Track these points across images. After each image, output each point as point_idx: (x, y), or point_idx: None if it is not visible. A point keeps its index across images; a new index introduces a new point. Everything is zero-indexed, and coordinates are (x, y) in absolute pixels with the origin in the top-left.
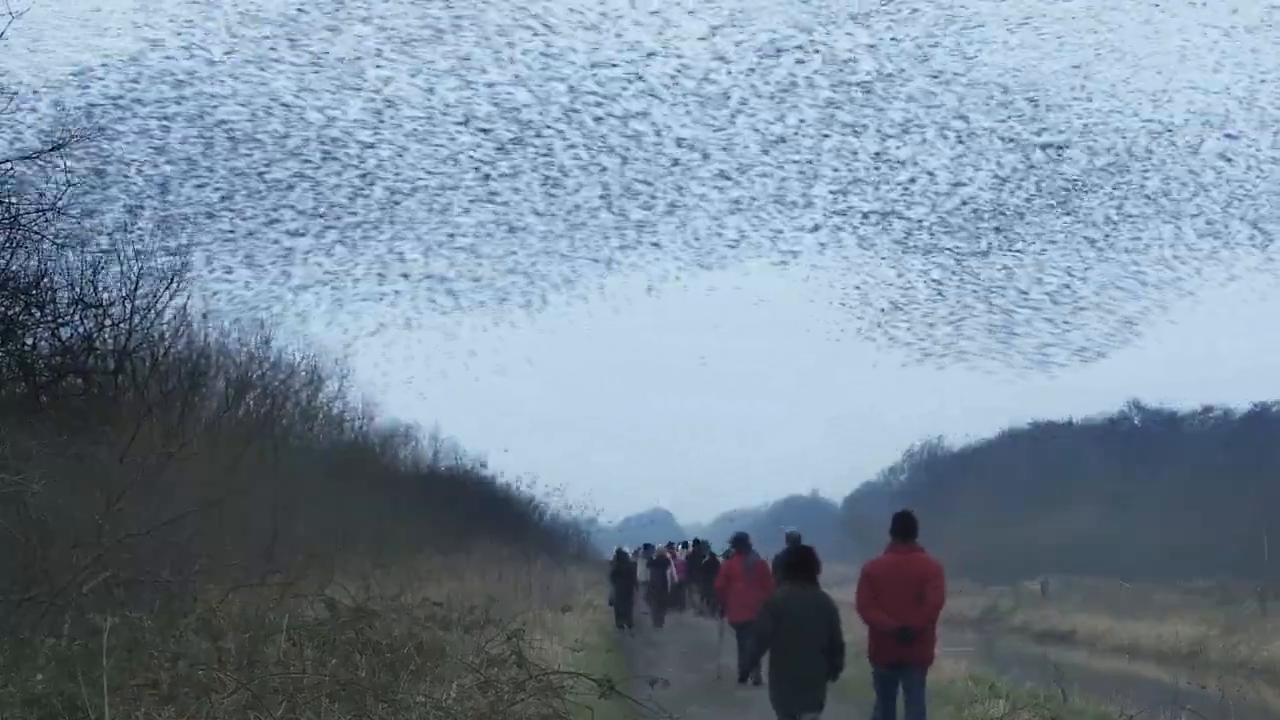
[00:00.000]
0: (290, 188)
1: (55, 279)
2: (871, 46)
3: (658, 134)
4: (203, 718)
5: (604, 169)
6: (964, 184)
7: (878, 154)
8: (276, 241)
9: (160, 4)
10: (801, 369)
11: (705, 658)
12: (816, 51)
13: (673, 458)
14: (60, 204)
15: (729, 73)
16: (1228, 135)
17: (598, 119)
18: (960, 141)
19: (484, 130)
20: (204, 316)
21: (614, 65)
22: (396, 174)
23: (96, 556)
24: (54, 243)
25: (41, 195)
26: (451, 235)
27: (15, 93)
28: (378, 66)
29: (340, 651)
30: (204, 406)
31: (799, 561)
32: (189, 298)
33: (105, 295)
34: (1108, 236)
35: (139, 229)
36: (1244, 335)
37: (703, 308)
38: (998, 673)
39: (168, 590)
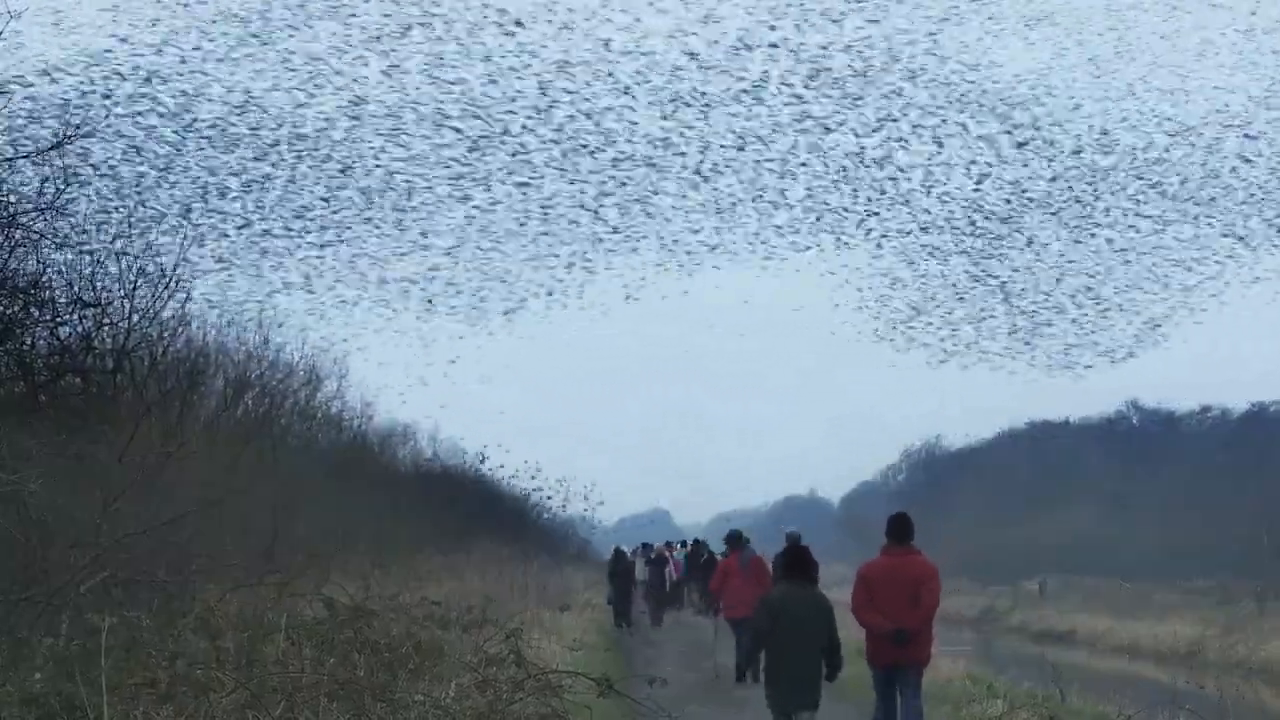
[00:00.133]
0: (264, 188)
1: (54, 278)
2: (887, 41)
3: (631, 133)
4: (201, 717)
5: (578, 170)
6: (980, 186)
7: (886, 156)
8: (253, 244)
9: (129, 2)
10: (800, 369)
11: (703, 656)
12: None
13: (671, 458)
14: (59, 203)
15: (699, 68)
16: (1247, 136)
17: (570, 117)
18: (977, 140)
19: (456, 130)
20: (190, 317)
21: (586, 63)
22: (367, 174)
23: (95, 556)
24: (53, 242)
25: (40, 194)
26: (424, 234)
27: (12, 92)
28: (347, 64)
29: (338, 651)
30: (203, 406)
31: (796, 561)
32: (188, 297)
33: (104, 295)
34: (1128, 237)
35: (136, 228)
36: (1268, 337)
37: (701, 308)
38: (995, 672)
39: (166, 590)
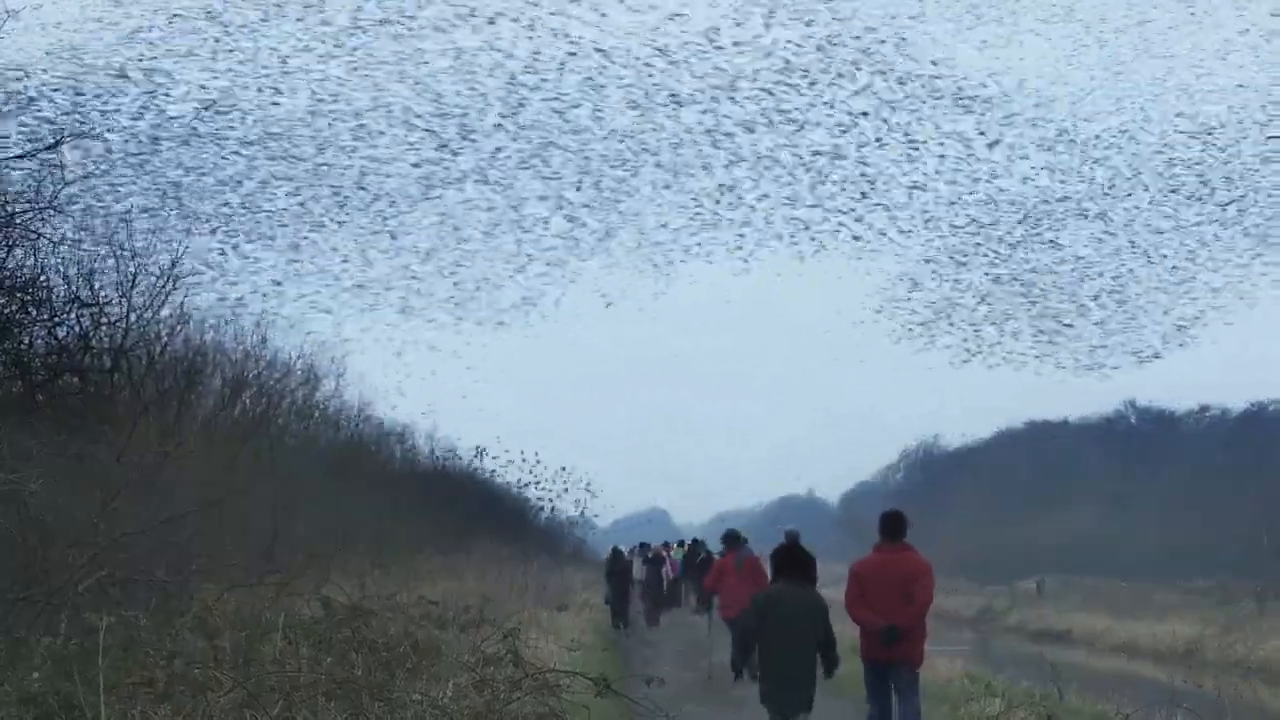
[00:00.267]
0: (237, 187)
1: (51, 277)
2: (903, 40)
3: (606, 132)
4: (199, 716)
5: (550, 171)
6: (1004, 187)
7: (910, 155)
8: (222, 245)
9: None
10: (799, 369)
11: (701, 656)
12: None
13: (669, 458)
14: (56, 202)
15: (669, 64)
16: (1271, 137)
17: (542, 115)
18: (997, 142)
19: (429, 131)
20: (188, 316)
21: (557, 60)
22: (340, 175)
23: (93, 555)
24: (50, 241)
25: (38, 193)
26: (394, 237)
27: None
28: (316, 63)
29: (336, 650)
30: (200, 405)
31: (789, 559)
32: (185, 296)
33: (102, 294)
34: (1151, 238)
35: (133, 227)
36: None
37: (700, 309)
38: (994, 672)
39: (164, 589)
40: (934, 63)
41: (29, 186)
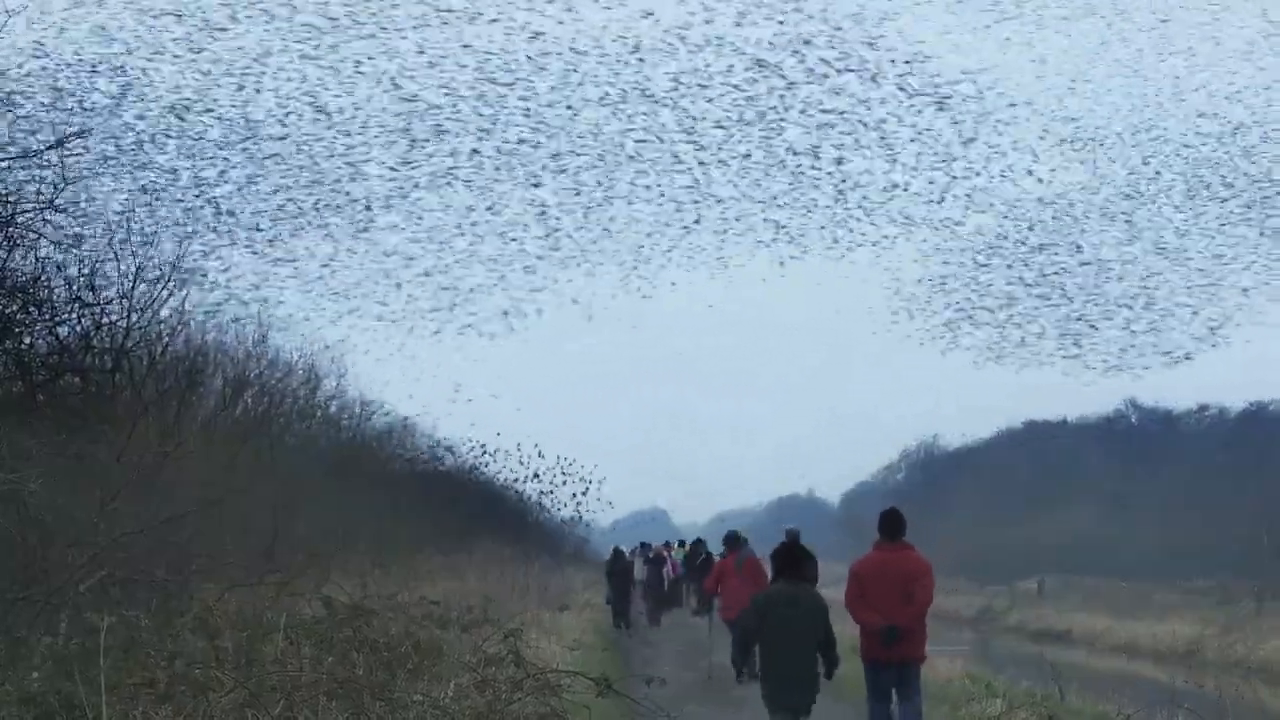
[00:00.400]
0: (212, 189)
1: (52, 277)
2: (920, 43)
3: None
4: (200, 716)
5: (530, 172)
6: (1026, 188)
7: (949, 157)
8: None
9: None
10: (799, 369)
11: (701, 656)
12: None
13: (668, 458)
14: (57, 202)
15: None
16: None
17: (525, 113)
18: (1016, 145)
19: (403, 131)
20: (189, 316)
21: (530, 59)
22: (315, 177)
23: (93, 555)
24: (51, 241)
25: (39, 192)
26: (366, 229)
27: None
28: (285, 63)
29: (337, 650)
30: (201, 405)
31: (788, 559)
32: (187, 296)
33: (103, 294)
34: (1176, 240)
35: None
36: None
37: (700, 310)
38: (994, 672)
39: (165, 589)
40: (967, 74)
41: (29, 186)
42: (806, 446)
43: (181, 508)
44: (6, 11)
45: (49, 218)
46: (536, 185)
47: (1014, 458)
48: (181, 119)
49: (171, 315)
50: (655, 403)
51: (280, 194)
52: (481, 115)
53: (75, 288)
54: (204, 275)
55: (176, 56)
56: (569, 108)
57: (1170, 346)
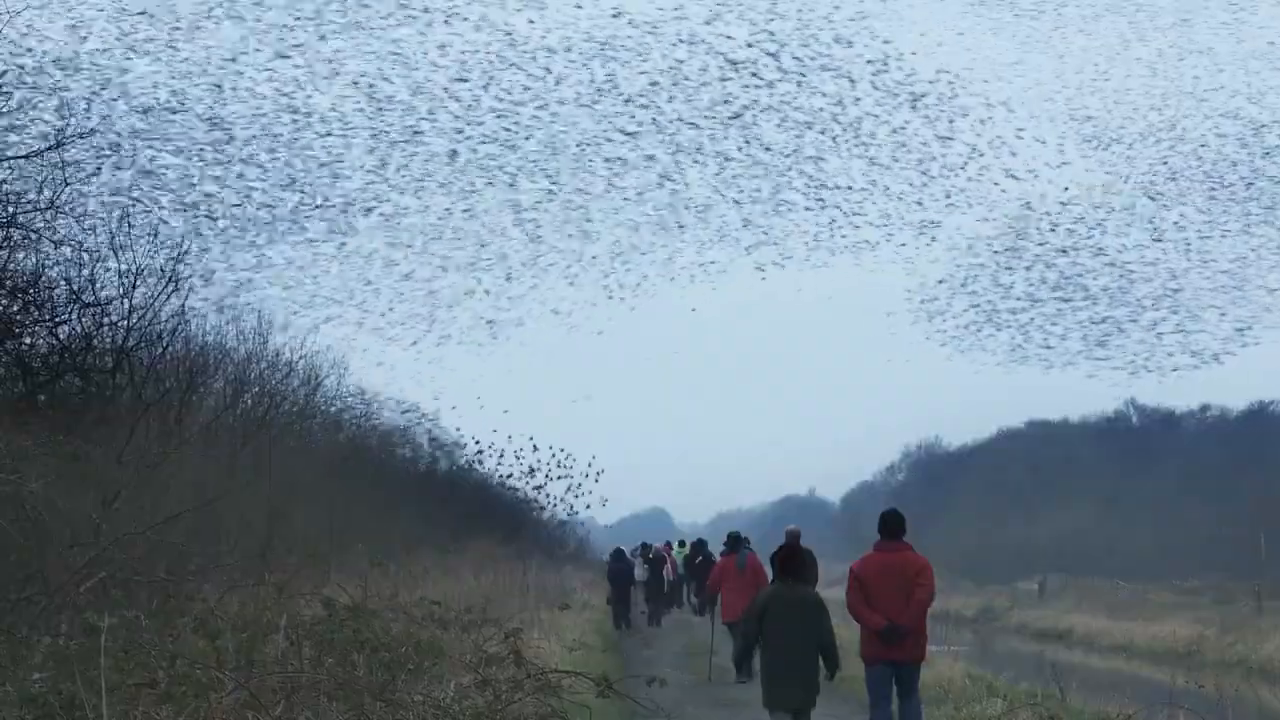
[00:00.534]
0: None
1: (53, 278)
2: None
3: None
4: (200, 717)
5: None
6: (1045, 190)
7: (971, 157)
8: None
9: None
10: (800, 369)
11: (702, 657)
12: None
13: (671, 458)
14: (58, 202)
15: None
16: None
17: (499, 114)
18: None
19: (377, 133)
20: (189, 316)
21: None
22: (292, 180)
23: (93, 556)
24: (51, 241)
25: (39, 193)
26: (344, 234)
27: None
28: (260, 61)
29: (338, 650)
30: (201, 406)
31: (788, 560)
32: (187, 296)
33: (103, 294)
34: (1199, 241)
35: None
36: None
37: (700, 310)
38: (995, 672)
39: (165, 589)
40: (983, 75)
41: (30, 186)
42: (808, 446)
43: (181, 508)
44: (8, 10)
45: (49, 219)
46: (512, 185)
47: (1014, 458)
48: (158, 118)
49: (172, 315)
50: (657, 403)
51: (257, 195)
52: (457, 117)
53: (76, 288)
54: (199, 277)
55: (151, 55)
56: (543, 107)
57: (1198, 347)
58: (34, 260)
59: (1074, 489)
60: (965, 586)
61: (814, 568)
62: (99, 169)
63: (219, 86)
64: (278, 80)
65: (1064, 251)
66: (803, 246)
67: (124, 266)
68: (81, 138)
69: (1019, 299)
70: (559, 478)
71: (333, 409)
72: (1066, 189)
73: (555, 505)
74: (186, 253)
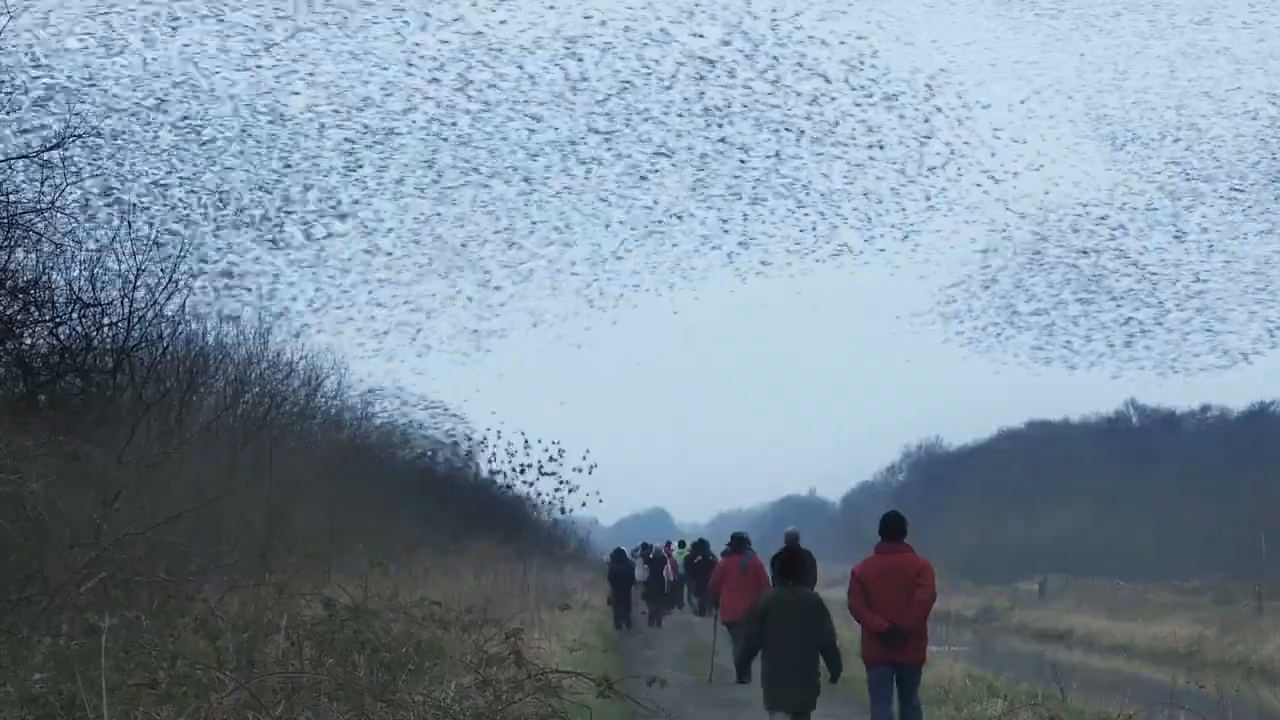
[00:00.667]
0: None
1: (54, 278)
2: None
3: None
4: (201, 717)
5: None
6: (1067, 190)
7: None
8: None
9: None
10: (800, 369)
11: (702, 657)
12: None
13: (671, 458)
14: (59, 203)
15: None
16: None
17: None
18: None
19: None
20: (190, 316)
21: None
22: (274, 182)
23: (94, 556)
24: (52, 242)
25: (40, 194)
26: (326, 237)
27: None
28: (234, 64)
29: (338, 651)
30: (202, 406)
31: (788, 562)
32: (187, 297)
33: (103, 294)
34: (1226, 242)
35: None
36: None
37: (700, 310)
38: (995, 672)
39: (165, 590)
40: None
41: (31, 187)
42: (808, 446)
43: (181, 508)
44: (8, 11)
45: (50, 219)
46: (486, 187)
47: (1015, 458)
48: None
49: (173, 315)
50: (657, 403)
51: (235, 198)
52: (432, 120)
53: (76, 288)
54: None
55: (123, 56)
56: (518, 107)
57: (1228, 346)
58: (34, 260)
59: (1074, 489)
60: (965, 587)
61: (813, 569)
62: (99, 170)
63: (193, 86)
64: (254, 82)
65: (1085, 253)
66: (802, 247)
67: (124, 265)
68: (84, 137)
69: (1040, 300)
70: (549, 474)
71: (333, 410)
72: (1078, 184)
73: (547, 502)
74: (185, 254)
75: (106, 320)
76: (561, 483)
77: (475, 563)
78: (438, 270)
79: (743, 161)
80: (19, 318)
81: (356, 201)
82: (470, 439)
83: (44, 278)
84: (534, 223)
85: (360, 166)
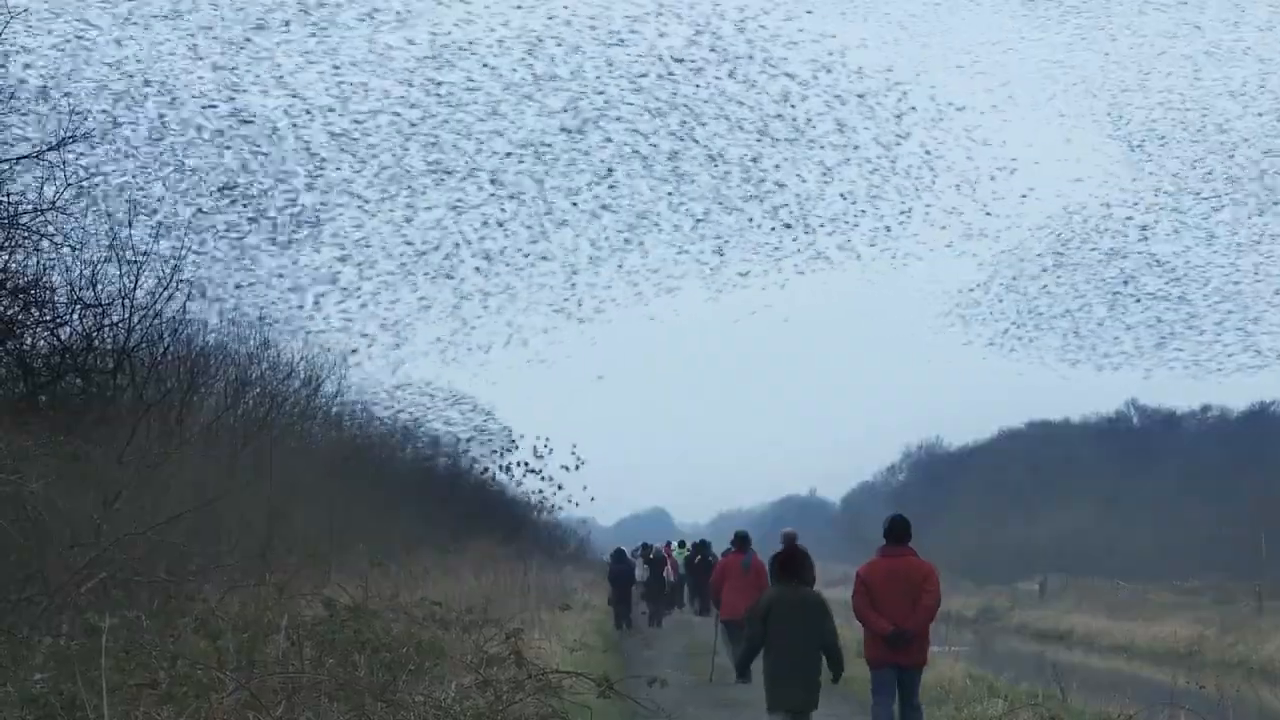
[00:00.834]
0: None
1: (54, 278)
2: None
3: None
4: (201, 717)
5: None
6: (1090, 191)
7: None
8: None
9: None
10: (800, 369)
11: (702, 657)
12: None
13: (672, 458)
14: (59, 203)
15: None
16: None
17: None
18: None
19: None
20: (190, 317)
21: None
22: (263, 188)
23: (94, 556)
24: (53, 242)
25: (40, 194)
26: (306, 240)
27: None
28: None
29: (339, 651)
30: (202, 406)
31: (787, 563)
32: (188, 297)
33: (104, 295)
34: (1255, 243)
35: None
36: None
37: (701, 310)
38: (995, 672)
39: (165, 590)
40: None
41: (31, 187)
42: (808, 446)
43: (182, 508)
44: (9, 11)
45: (51, 219)
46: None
47: (1015, 458)
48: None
49: (173, 316)
50: (657, 403)
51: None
52: (412, 124)
53: (77, 289)
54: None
55: (98, 54)
56: (495, 112)
57: (1263, 346)
58: (35, 261)
59: (1074, 489)
60: (965, 587)
61: (812, 569)
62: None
63: (165, 85)
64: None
65: (1113, 253)
66: (802, 247)
67: (124, 265)
68: (84, 138)
69: (1066, 300)
70: (533, 471)
71: (333, 410)
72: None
73: (535, 502)
74: (185, 255)
75: (107, 321)
76: (545, 480)
77: (475, 563)
78: (431, 273)
79: (754, 161)
80: (19, 318)
81: (327, 208)
82: (459, 438)
83: (44, 278)
84: (536, 223)
85: (325, 166)
